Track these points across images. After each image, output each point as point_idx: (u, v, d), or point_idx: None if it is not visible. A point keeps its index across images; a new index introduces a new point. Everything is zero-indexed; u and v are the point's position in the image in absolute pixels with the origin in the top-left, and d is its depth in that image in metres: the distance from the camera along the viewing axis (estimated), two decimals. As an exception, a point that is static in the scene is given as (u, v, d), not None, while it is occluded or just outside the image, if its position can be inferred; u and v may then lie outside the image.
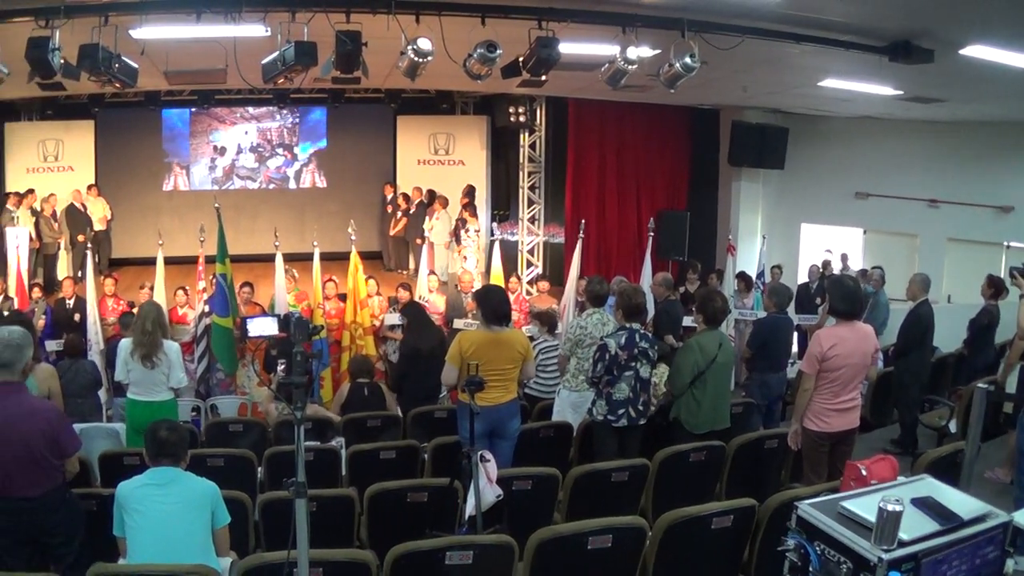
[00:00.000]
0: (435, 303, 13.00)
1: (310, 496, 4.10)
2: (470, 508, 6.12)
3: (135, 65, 10.06)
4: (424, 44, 9.32)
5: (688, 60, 9.66)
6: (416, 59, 9.47)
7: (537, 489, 6.62)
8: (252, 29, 9.26)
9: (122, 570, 4.91)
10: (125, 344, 8.74)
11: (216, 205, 13.19)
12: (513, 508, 6.37)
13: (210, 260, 13.35)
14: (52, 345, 11.96)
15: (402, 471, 7.45)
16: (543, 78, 10.37)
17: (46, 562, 5.52)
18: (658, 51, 10.26)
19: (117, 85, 10.28)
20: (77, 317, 13.32)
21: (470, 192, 18.45)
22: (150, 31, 9.65)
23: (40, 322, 12.79)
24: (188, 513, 5.18)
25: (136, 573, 4.78)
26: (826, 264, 15.37)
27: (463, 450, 6.40)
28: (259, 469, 7.60)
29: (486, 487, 6.17)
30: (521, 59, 9.97)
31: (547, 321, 11.00)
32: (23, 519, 5.46)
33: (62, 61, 9.23)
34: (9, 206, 17.40)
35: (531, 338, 9.62)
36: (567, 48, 9.75)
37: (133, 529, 5.13)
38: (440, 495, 6.39)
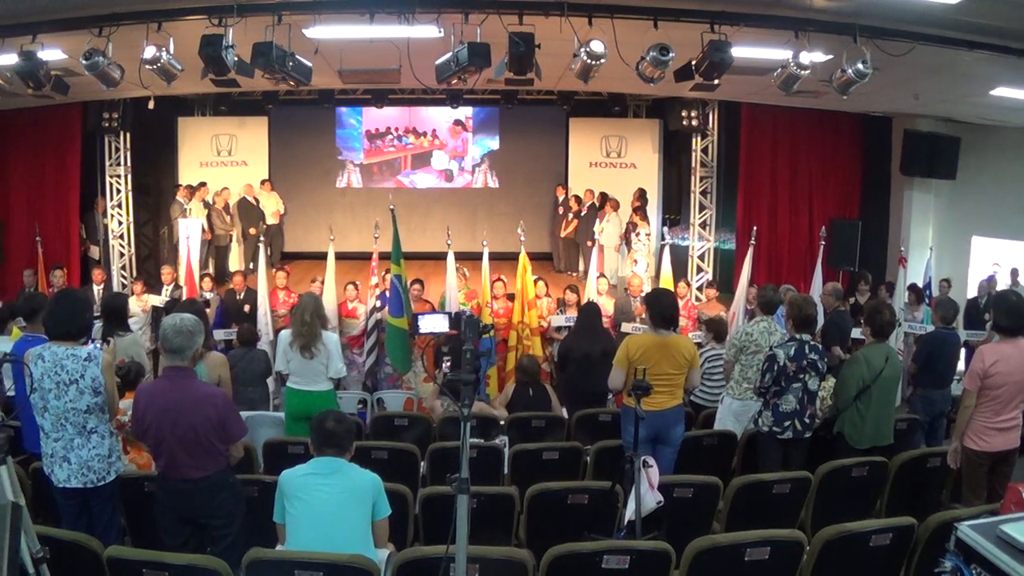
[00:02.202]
0: (604, 306, 13.10)
1: (472, 493, 4.14)
2: (630, 513, 6.20)
3: (309, 64, 10.45)
4: (597, 46, 9.42)
5: (860, 66, 9.61)
6: (589, 61, 9.57)
7: (698, 497, 6.63)
8: (425, 30, 9.54)
9: (280, 556, 5.06)
10: (284, 335, 9.06)
11: (391, 207, 13.48)
12: (673, 515, 6.39)
13: (383, 257, 13.71)
14: (220, 334, 12.40)
15: (564, 472, 7.54)
16: (716, 82, 10.35)
17: (204, 543, 5.80)
18: (830, 56, 10.20)
19: (291, 83, 10.70)
20: (247, 308, 13.84)
21: (642, 196, 18.40)
22: (324, 30, 10.04)
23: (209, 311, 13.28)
24: (349, 504, 5.31)
25: (293, 560, 4.89)
26: (992, 279, 14.95)
27: (626, 454, 6.49)
28: (422, 464, 7.76)
29: (647, 493, 6.24)
30: (694, 62, 10.00)
31: (716, 329, 10.99)
32: (185, 500, 5.76)
33: (236, 58, 9.67)
34: (180, 198, 18.25)
35: (698, 345, 9.63)
36: (740, 52, 9.76)
37: (293, 517, 5.32)
38: (601, 498, 6.47)
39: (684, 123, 17.73)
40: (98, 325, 8.49)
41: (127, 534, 6.55)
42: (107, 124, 17.61)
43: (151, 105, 16.00)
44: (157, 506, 5.92)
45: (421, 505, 6.43)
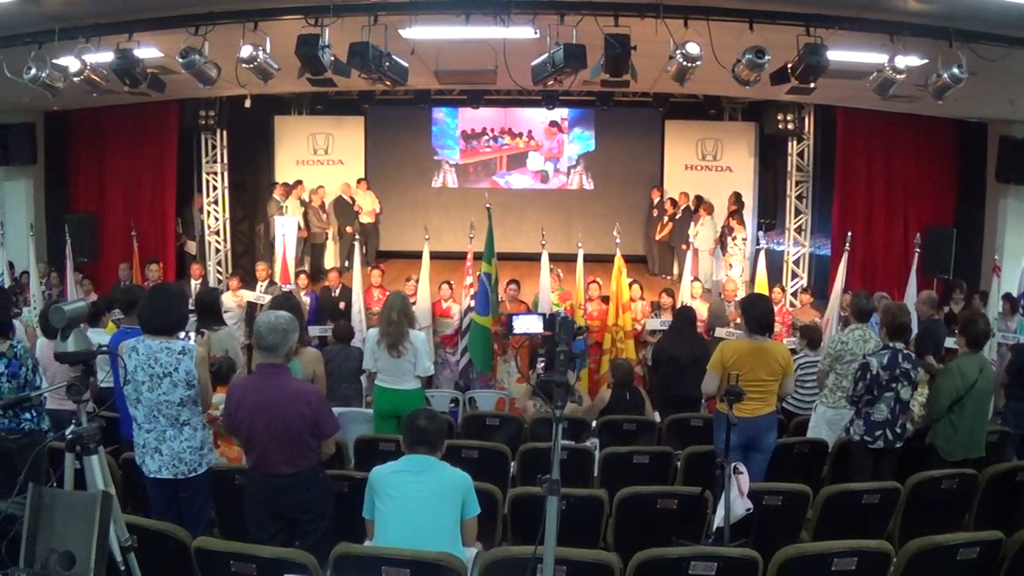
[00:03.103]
0: (698, 310, 13.03)
1: (561, 494, 4.15)
2: (719, 519, 6.18)
3: (405, 64, 10.55)
4: (693, 48, 9.38)
5: (955, 71, 9.46)
6: (685, 63, 9.54)
7: (787, 505, 6.59)
8: (521, 31, 9.57)
9: (368, 552, 5.08)
10: (372, 334, 9.11)
11: (488, 205, 13.62)
12: (761, 523, 6.38)
13: (478, 257, 13.81)
14: (315, 331, 12.54)
15: (654, 477, 7.55)
16: (812, 85, 10.28)
17: (292, 537, 5.85)
18: (926, 60, 10.02)
19: (387, 83, 10.81)
20: (342, 305, 14.11)
21: (737, 199, 18.19)
22: (420, 31, 10.15)
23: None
24: (439, 502, 5.34)
25: (381, 556, 4.90)
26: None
27: (717, 460, 6.44)
28: (512, 464, 7.81)
29: (736, 499, 6.21)
30: (789, 65, 9.92)
31: (810, 335, 10.89)
32: (276, 495, 5.83)
33: (332, 58, 9.80)
34: (277, 196, 18.48)
35: (792, 351, 9.55)
36: (835, 55, 9.67)
37: (383, 513, 5.36)
38: (690, 504, 6.46)
39: (780, 127, 17.54)
40: (193, 319, 8.66)
41: (216, 526, 6.66)
42: (204, 122, 17.96)
43: (248, 104, 16.25)
44: (247, 499, 6.00)
45: (510, 505, 6.48)
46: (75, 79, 10.61)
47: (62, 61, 10.51)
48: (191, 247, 18.96)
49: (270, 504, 5.89)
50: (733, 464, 6.27)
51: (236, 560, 4.77)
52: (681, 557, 5.01)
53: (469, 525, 5.47)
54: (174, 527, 5.19)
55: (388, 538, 5.26)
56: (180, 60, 10.03)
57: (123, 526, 4.32)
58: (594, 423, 9.46)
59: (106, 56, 10.38)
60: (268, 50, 10.03)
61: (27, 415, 6.94)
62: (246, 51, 9.89)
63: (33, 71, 10.19)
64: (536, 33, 9.65)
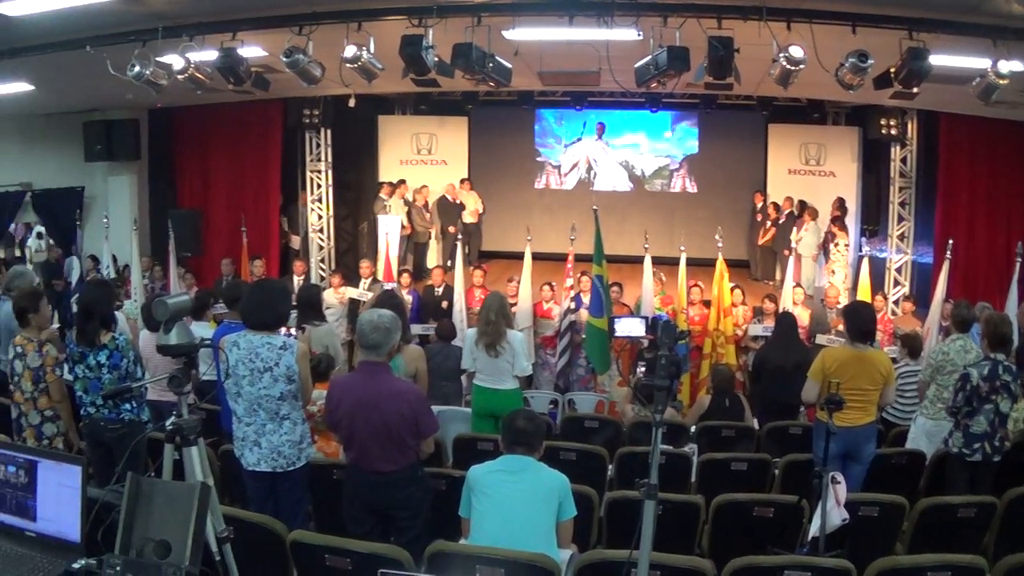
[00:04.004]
0: (799, 316, 12.90)
1: (658, 499, 4.10)
2: (814, 529, 6.14)
3: (509, 65, 10.59)
4: (796, 52, 9.26)
5: (1058, 76, 9.25)
6: (788, 67, 9.43)
7: (883, 517, 6.51)
8: (624, 33, 9.55)
9: (463, 550, 5.10)
10: (471, 333, 9.25)
11: (594, 207, 13.60)
12: (856, 533, 6.32)
13: (579, 258, 13.90)
14: (418, 329, 12.63)
15: (751, 484, 7.48)
16: (914, 90, 10.11)
17: (388, 533, 5.90)
18: (1029, 66, 9.86)
19: (491, 84, 10.88)
20: (444, 304, 14.19)
21: (841, 205, 17.88)
22: (523, 32, 10.18)
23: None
24: (536, 502, 5.36)
25: (476, 554, 4.92)
26: None
27: (815, 469, 6.37)
28: (610, 467, 7.77)
29: (833, 509, 6.14)
30: (892, 70, 9.77)
31: (911, 344, 10.68)
32: (374, 492, 5.91)
33: (436, 59, 9.88)
34: (381, 195, 18.65)
35: (892, 360, 9.41)
36: (938, 60, 9.47)
37: (479, 512, 5.40)
38: (786, 512, 6.41)
39: (883, 132, 17.19)
40: (294, 315, 8.80)
41: (312, 519, 6.77)
42: (308, 120, 18.20)
43: (352, 103, 16.39)
44: (345, 495, 6.09)
45: (607, 508, 6.46)
46: (179, 77, 10.80)
47: (166, 59, 10.72)
48: (295, 243, 19.24)
49: (367, 500, 5.96)
50: (831, 473, 6.20)
51: (331, 554, 4.82)
52: (775, 566, 5.00)
53: (565, 527, 5.46)
54: (271, 520, 5.26)
55: (483, 537, 5.29)
56: (284, 59, 10.16)
57: (220, 517, 4.39)
58: (692, 428, 9.42)
59: (210, 54, 10.55)
60: (372, 50, 10.10)
61: (127, 406, 7.07)
62: (350, 51, 9.98)
63: (137, 68, 10.40)
64: (639, 35, 9.62)
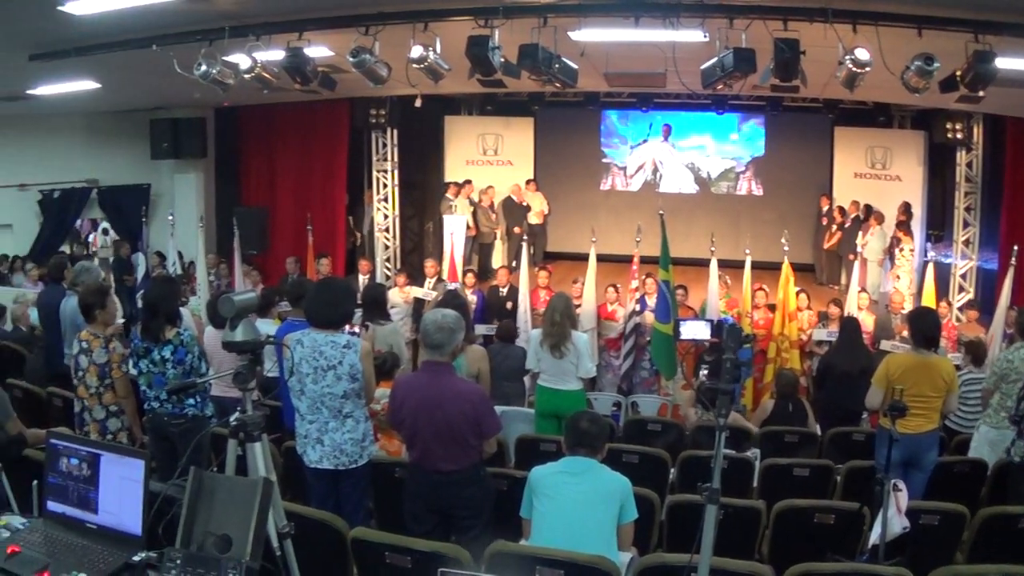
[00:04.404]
0: (864, 322, 12.75)
1: (720, 503, 4.11)
2: (875, 537, 6.10)
3: (575, 66, 10.59)
4: (862, 54, 9.19)
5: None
6: (854, 69, 9.35)
7: (943, 526, 6.43)
8: (690, 34, 9.52)
9: (522, 550, 5.10)
10: (535, 334, 9.29)
11: (660, 211, 13.54)
12: (917, 542, 6.25)
13: (644, 260, 13.87)
14: (482, 329, 12.65)
15: (813, 490, 7.43)
16: (980, 94, 9.96)
17: (449, 532, 5.93)
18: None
19: (557, 85, 10.88)
20: (508, 305, 14.20)
21: (906, 210, 17.63)
22: (589, 33, 10.16)
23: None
24: (597, 504, 5.34)
25: (536, 555, 4.90)
26: None
27: (877, 476, 6.31)
28: (672, 470, 7.74)
29: (894, 517, 6.11)
30: (958, 73, 9.66)
31: (975, 351, 10.48)
32: (435, 491, 5.92)
33: (502, 59, 9.89)
34: (447, 195, 18.71)
35: (956, 367, 9.29)
36: (1004, 63, 9.36)
37: (540, 513, 5.40)
38: (847, 519, 6.35)
39: (949, 136, 16.95)
40: (359, 313, 8.84)
41: (373, 517, 6.79)
42: (374, 120, 18.30)
43: (418, 103, 16.46)
44: (406, 493, 6.11)
45: (668, 512, 6.44)
46: (246, 76, 10.92)
47: (232, 58, 10.85)
48: (361, 242, 19.36)
49: (429, 499, 5.98)
50: (892, 481, 6.16)
51: (391, 552, 4.83)
52: (835, 573, 4.97)
53: (626, 530, 5.45)
54: (332, 516, 5.28)
55: (544, 538, 5.28)
56: (351, 59, 10.21)
57: (282, 513, 4.41)
58: (755, 433, 9.38)
59: (277, 54, 10.64)
60: (438, 50, 10.13)
61: (191, 401, 7.14)
62: (416, 51, 10.01)
63: (203, 68, 10.52)
64: (705, 36, 9.59)
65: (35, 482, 4.40)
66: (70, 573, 3.61)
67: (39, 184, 18.58)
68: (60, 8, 8.85)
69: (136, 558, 3.68)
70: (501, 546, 4.97)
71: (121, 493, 3.88)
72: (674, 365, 12.57)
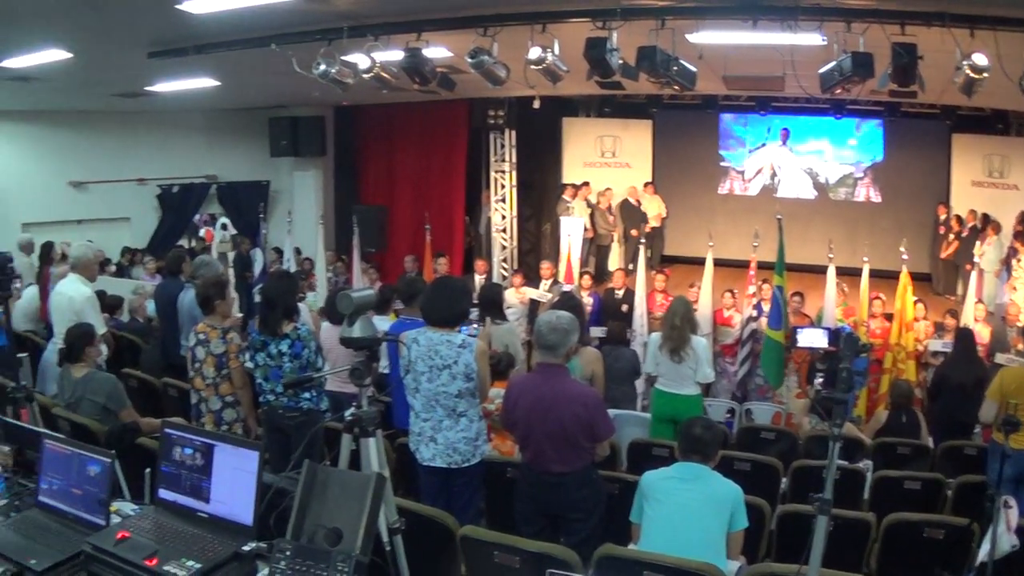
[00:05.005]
0: (980, 333, 12.50)
1: (831, 515, 4.07)
2: (983, 554, 5.93)
3: (693, 68, 10.49)
4: (980, 59, 8.94)
5: None
6: (972, 75, 9.13)
7: (1052, 545, 6.30)
8: (808, 38, 9.38)
9: (631, 555, 5.05)
10: (655, 337, 9.29)
11: (778, 216, 13.40)
12: (1025, 561, 6.15)
13: (762, 266, 13.74)
14: (597, 332, 12.57)
15: (924, 504, 7.33)
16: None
17: (558, 533, 5.92)
18: None
19: (675, 87, 10.80)
20: (624, 308, 14.16)
21: (1023, 220, 17.45)
22: (707, 36, 10.07)
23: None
24: (707, 511, 5.32)
25: (644, 560, 4.87)
26: None
27: (988, 491, 6.18)
28: (783, 479, 7.70)
29: (1003, 534, 5.92)
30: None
31: None
32: (547, 493, 5.92)
33: (620, 61, 9.85)
34: (565, 196, 18.75)
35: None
36: None
37: (650, 518, 5.39)
38: (957, 535, 6.24)
39: (1066, 144, 16.70)
40: (474, 313, 8.89)
41: (483, 516, 6.83)
42: (492, 121, 18.42)
43: (536, 105, 16.50)
44: (518, 494, 6.13)
45: (778, 521, 6.40)
46: (364, 76, 11.00)
47: (351, 58, 10.92)
48: (477, 242, 19.47)
49: (540, 500, 5.99)
50: (1003, 497, 5.98)
51: (500, 551, 4.84)
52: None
53: (735, 538, 5.41)
54: (443, 514, 5.30)
55: (653, 543, 5.27)
56: (469, 60, 10.24)
57: (393, 508, 4.44)
58: (868, 444, 9.24)
59: (395, 54, 10.70)
60: (556, 52, 10.12)
61: (306, 395, 7.23)
62: (534, 52, 9.99)
63: (322, 67, 10.63)
64: (823, 40, 9.47)
65: (147, 470, 4.48)
66: (179, 560, 3.67)
67: (158, 179, 19.00)
68: (178, 7, 8.99)
69: (246, 548, 3.73)
70: (610, 550, 4.95)
71: (234, 483, 3.93)
72: (781, 373, 12.47)
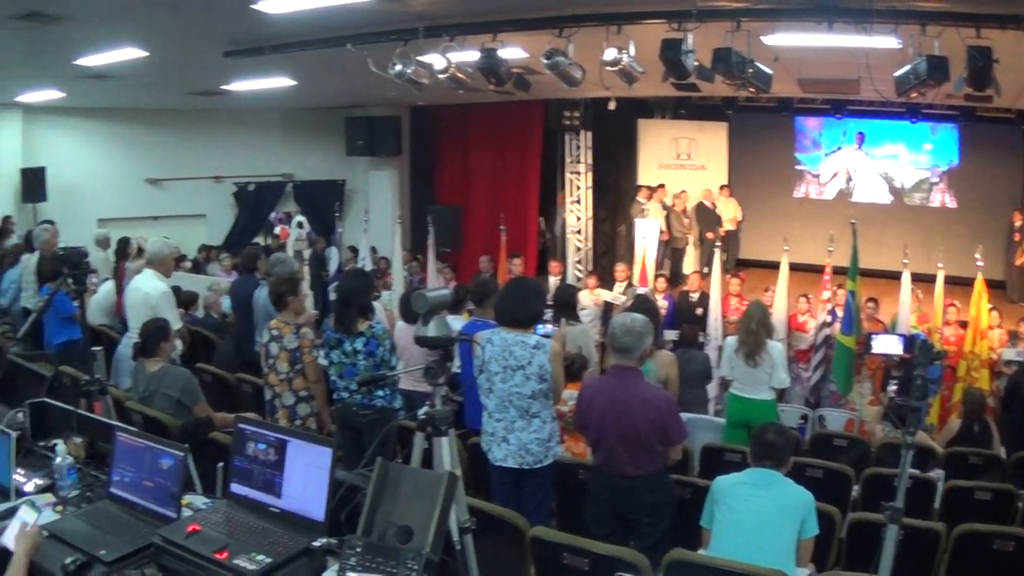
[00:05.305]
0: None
1: (902, 524, 4.04)
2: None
3: (769, 71, 10.45)
4: (1057, 63, 8.96)
5: None
6: (1046, 78, 9.13)
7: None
8: (883, 41, 9.29)
9: (700, 560, 5.04)
10: (731, 341, 9.25)
11: (853, 221, 13.30)
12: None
13: (837, 271, 13.58)
14: (671, 335, 12.50)
15: (995, 515, 7.21)
16: None
17: (628, 536, 5.90)
18: None
19: (751, 90, 10.75)
20: (699, 311, 14.13)
21: (1097, 227, 17.13)
22: (782, 38, 10.01)
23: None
24: (779, 518, 5.28)
25: (713, 566, 4.88)
26: None
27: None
28: (855, 487, 7.61)
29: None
30: None
31: None
32: (618, 495, 5.91)
33: (696, 63, 9.81)
34: (640, 199, 18.70)
35: None
36: None
37: (721, 524, 5.37)
38: (1025, 548, 6.19)
39: None
40: (548, 314, 8.90)
41: (554, 517, 6.79)
42: (568, 122, 18.46)
43: (612, 106, 16.48)
44: (589, 496, 6.13)
45: (848, 529, 6.33)
46: (440, 76, 11.06)
47: (427, 58, 10.97)
48: (552, 243, 19.48)
49: (611, 503, 5.98)
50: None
51: (570, 553, 4.83)
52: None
53: (805, 545, 5.36)
54: (513, 514, 5.31)
55: (723, 549, 5.25)
56: (544, 61, 10.25)
57: (464, 507, 4.43)
58: (940, 452, 9.12)
59: (471, 55, 10.73)
60: (632, 53, 10.09)
61: (380, 393, 7.25)
62: (610, 54, 9.97)
63: (398, 67, 10.73)
64: (899, 43, 9.38)
65: (220, 464, 4.53)
66: (249, 554, 3.70)
67: (234, 177, 19.24)
68: (252, 6, 9.07)
69: (316, 543, 3.75)
70: (679, 554, 4.92)
71: (306, 479, 3.96)
72: (851, 379, 12.37)
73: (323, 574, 3.69)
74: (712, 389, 11.03)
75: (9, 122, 17.04)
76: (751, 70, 9.98)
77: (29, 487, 4.72)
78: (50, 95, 15.61)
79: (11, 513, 4.21)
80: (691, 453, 7.94)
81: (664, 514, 5.97)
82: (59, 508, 4.49)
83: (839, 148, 20.68)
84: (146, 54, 11.38)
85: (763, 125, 20.52)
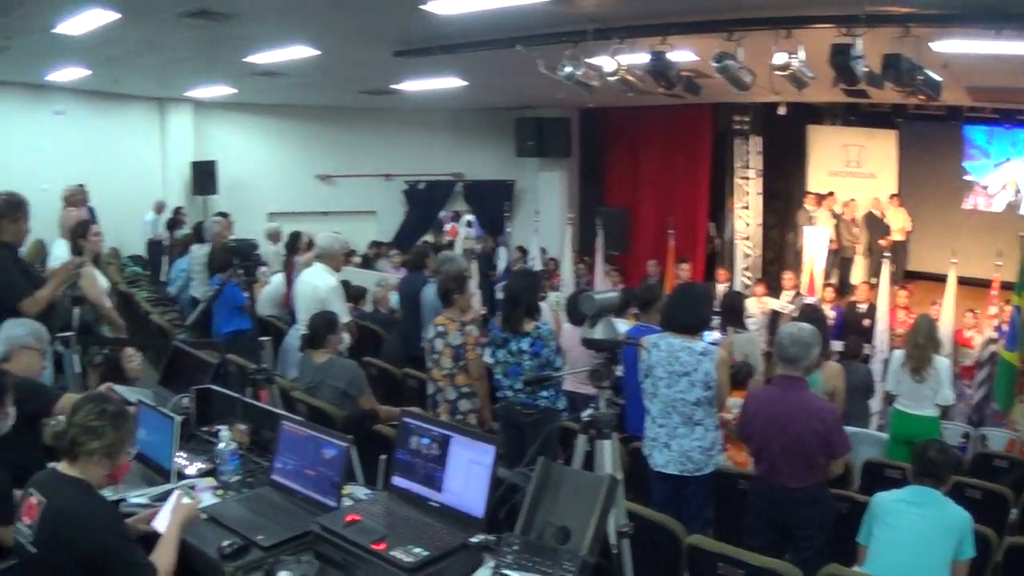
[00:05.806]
0: None
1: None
2: None
3: (938, 78, 10.23)
4: None
5: None
6: None
7: None
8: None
9: (855, 576, 5.01)
10: (897, 355, 9.07)
11: (1021, 235, 12.87)
12: None
13: (1004, 287, 13.22)
14: (838, 346, 12.31)
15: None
16: None
17: (784, 549, 5.86)
18: None
19: (920, 97, 10.54)
20: (866, 323, 13.88)
21: None
22: (951, 44, 9.82)
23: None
24: (936, 538, 5.18)
25: (869, 583, 4.78)
26: None
27: None
28: (1012, 510, 7.35)
29: None
30: None
31: None
32: (778, 507, 5.87)
33: (865, 69, 9.65)
34: (808, 206, 18.42)
35: None
36: None
37: (878, 541, 5.29)
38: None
39: None
40: (716, 321, 8.86)
41: (711, 526, 6.72)
42: (737, 127, 18.32)
43: (781, 111, 16.28)
44: (748, 507, 6.09)
45: (1005, 553, 6.09)
46: (609, 78, 11.07)
47: (596, 60, 10.99)
48: (720, 249, 19.35)
49: (770, 515, 5.95)
50: None
51: (725, 563, 4.81)
52: None
53: (961, 567, 5.24)
54: (671, 521, 5.28)
55: (879, 566, 5.19)
56: (714, 64, 10.17)
57: (623, 512, 4.44)
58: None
59: (640, 57, 10.71)
60: (802, 58, 9.97)
61: (544, 393, 7.26)
62: (780, 58, 9.85)
63: (568, 69, 10.80)
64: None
65: (382, 456, 4.58)
66: (406, 546, 3.74)
67: (404, 175, 19.55)
68: (422, 7, 9.19)
69: (474, 539, 3.77)
70: (834, 570, 4.86)
71: (468, 475, 4.00)
72: (1011, 397, 11.95)
73: (478, 570, 3.72)
74: (876, 403, 10.82)
75: (180, 117, 17.70)
76: (921, 77, 9.83)
77: (191, 470, 4.89)
78: (221, 91, 16.16)
79: (165, 497, 4.33)
80: (852, 467, 7.78)
81: (822, 528, 5.91)
82: (220, 492, 4.63)
83: (1008, 160, 20.00)
84: (317, 53, 11.68)
85: (931, 134, 19.95)
